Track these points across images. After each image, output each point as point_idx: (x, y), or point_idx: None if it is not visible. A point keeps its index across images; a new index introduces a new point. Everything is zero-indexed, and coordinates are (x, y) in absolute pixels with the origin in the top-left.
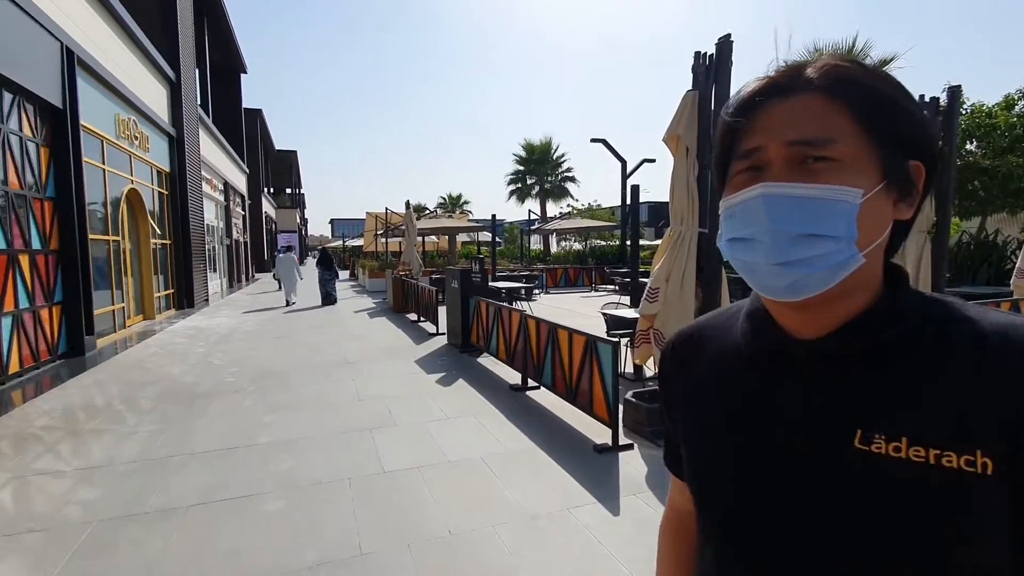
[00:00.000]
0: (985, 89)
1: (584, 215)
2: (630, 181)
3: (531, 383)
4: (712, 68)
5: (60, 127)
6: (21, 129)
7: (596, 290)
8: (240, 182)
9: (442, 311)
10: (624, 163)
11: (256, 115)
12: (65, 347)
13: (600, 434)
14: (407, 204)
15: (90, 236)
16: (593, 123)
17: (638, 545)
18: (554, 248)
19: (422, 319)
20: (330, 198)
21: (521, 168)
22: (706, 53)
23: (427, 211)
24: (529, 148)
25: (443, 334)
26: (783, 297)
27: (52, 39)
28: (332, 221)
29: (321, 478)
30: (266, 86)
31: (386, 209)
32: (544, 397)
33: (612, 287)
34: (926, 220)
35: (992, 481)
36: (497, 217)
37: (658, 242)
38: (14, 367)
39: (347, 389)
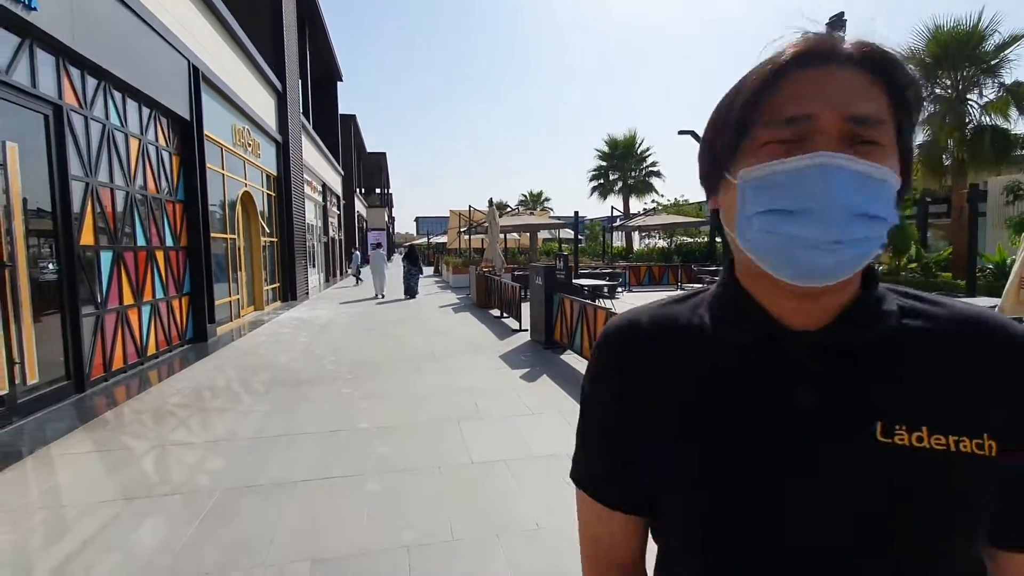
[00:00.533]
0: None
1: (670, 211)
2: None
3: None
4: None
5: (187, 137)
6: (157, 140)
7: (682, 288)
8: (336, 183)
9: (525, 307)
10: None
11: (350, 120)
12: (192, 333)
13: None
14: (490, 201)
15: (212, 234)
16: (681, 114)
17: None
18: (637, 245)
19: (505, 315)
20: (415, 197)
21: (603, 164)
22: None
23: (508, 208)
24: (612, 143)
25: (526, 330)
26: (817, 280)
27: (182, 58)
28: (417, 219)
29: (414, 464)
30: (359, 92)
31: (469, 207)
32: (574, 360)
33: (699, 285)
34: None
35: (995, 461)
36: (579, 214)
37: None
38: (151, 350)
39: (435, 381)
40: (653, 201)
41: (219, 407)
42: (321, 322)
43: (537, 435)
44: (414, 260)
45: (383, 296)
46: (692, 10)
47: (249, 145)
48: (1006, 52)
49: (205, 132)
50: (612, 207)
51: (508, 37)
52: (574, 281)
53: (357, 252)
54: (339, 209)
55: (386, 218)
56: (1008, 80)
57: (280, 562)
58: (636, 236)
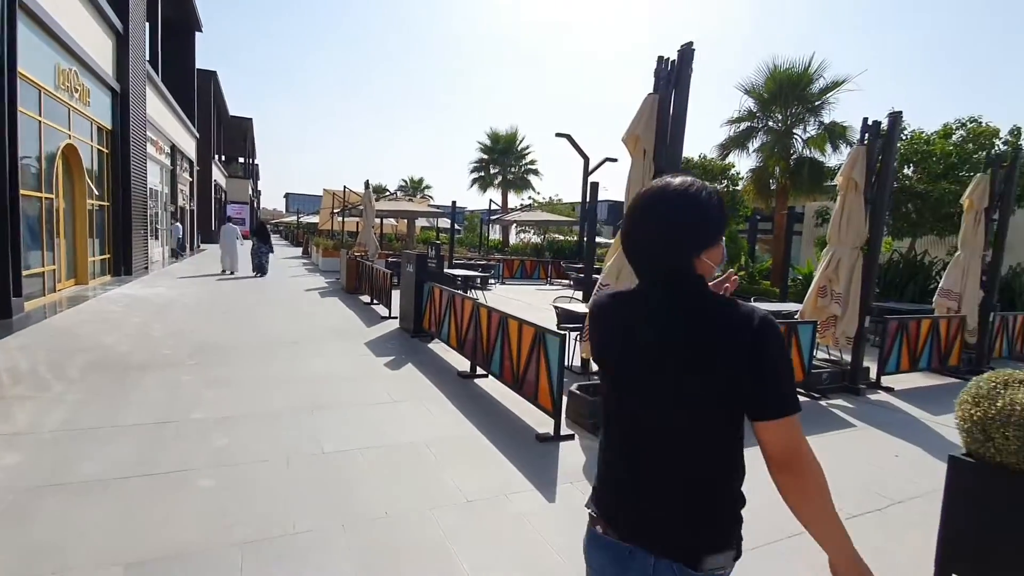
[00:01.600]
0: (926, 118)
1: (545, 209)
2: (591, 178)
3: (479, 371)
4: (673, 73)
5: None
6: None
7: (551, 284)
8: (189, 147)
9: (396, 295)
10: (587, 160)
11: (210, 77)
12: None
13: (543, 424)
14: (366, 184)
15: (22, 192)
16: (559, 118)
17: (569, 532)
18: (513, 239)
19: (375, 302)
20: (286, 171)
21: (485, 157)
22: (668, 58)
23: (387, 193)
24: (494, 137)
25: (395, 318)
26: None
27: None
28: (287, 195)
29: (258, 457)
30: (224, 48)
31: (344, 187)
32: (491, 385)
33: (567, 282)
34: (859, 237)
35: (724, 373)
36: (458, 205)
37: (600, 240)
38: None
39: (291, 367)
40: (530, 198)
41: (20, 395)
42: (161, 301)
43: (397, 424)
44: (264, 236)
45: (232, 273)
46: (577, 24)
47: (77, 90)
48: (827, 96)
49: (19, 69)
50: (491, 200)
51: (401, 11)
52: (446, 271)
53: (178, 224)
54: (192, 176)
55: (250, 191)
56: (827, 120)
57: (87, 566)
58: (513, 231)
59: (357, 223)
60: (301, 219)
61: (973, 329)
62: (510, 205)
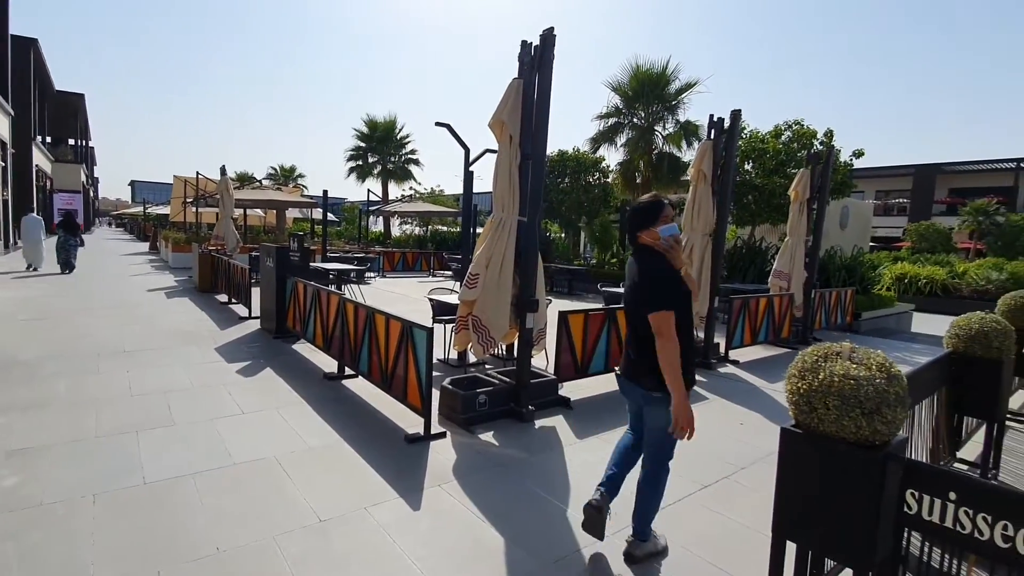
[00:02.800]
0: (763, 118)
1: (427, 200)
2: (473, 169)
3: (348, 371)
4: (536, 58)
5: None
6: None
7: (434, 275)
8: (1, 125)
9: (257, 292)
10: (467, 150)
11: (29, 45)
12: None
13: (414, 423)
14: (222, 170)
15: None
16: (441, 108)
17: (432, 542)
18: (396, 232)
19: (233, 301)
20: (135, 157)
21: (362, 144)
22: (531, 43)
23: (256, 182)
24: (372, 124)
25: (256, 318)
26: None
27: None
28: (133, 183)
29: (56, 496)
30: (49, 10)
31: (197, 174)
32: (360, 386)
33: (450, 273)
34: (708, 225)
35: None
36: (339, 196)
37: None
38: None
39: (117, 382)
40: (411, 188)
41: None
42: None
43: (244, 439)
44: (71, 228)
45: (35, 269)
46: (455, 12)
47: None
48: (682, 96)
49: None
50: (369, 190)
51: None
52: (318, 265)
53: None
54: (5, 160)
55: (83, 178)
56: (683, 118)
57: None
58: (395, 222)
59: (217, 214)
60: (149, 210)
61: (800, 305)
62: (392, 196)
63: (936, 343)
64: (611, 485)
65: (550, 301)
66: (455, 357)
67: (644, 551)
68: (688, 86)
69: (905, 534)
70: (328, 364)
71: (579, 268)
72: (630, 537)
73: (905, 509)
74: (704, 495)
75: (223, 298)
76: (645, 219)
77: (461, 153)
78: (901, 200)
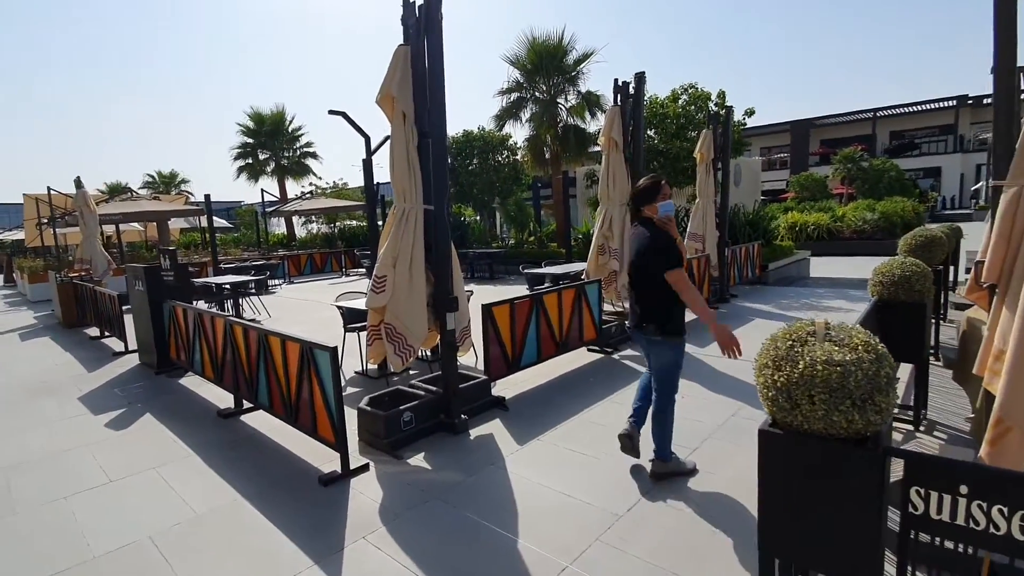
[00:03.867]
0: (659, 83)
1: (331, 195)
2: (375, 158)
3: (247, 404)
4: (423, 20)
5: None
6: None
7: (347, 275)
8: None
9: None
10: (368, 139)
11: None
12: None
13: (330, 459)
14: (77, 183)
15: None
16: (337, 96)
17: None
18: (300, 232)
19: (106, 334)
20: None
21: (250, 141)
22: (415, 2)
23: (130, 193)
24: (257, 118)
25: (135, 351)
26: None
27: None
28: None
29: None
30: None
31: (48, 188)
32: (263, 421)
33: (363, 271)
34: (625, 194)
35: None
36: (234, 199)
37: None
38: None
39: None
40: (311, 184)
41: None
42: None
43: (109, 519)
44: None
45: None
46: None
47: None
48: (581, 67)
49: None
50: (263, 190)
51: None
52: (207, 280)
53: None
54: None
55: None
56: (583, 89)
57: None
58: (298, 222)
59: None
60: (0, 236)
61: (716, 264)
62: (290, 194)
63: (834, 285)
64: (637, 416)
65: (471, 292)
66: (375, 367)
67: (666, 469)
68: (585, 56)
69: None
70: (223, 398)
71: (498, 250)
72: (653, 458)
73: (910, 509)
74: (661, 488)
75: (95, 332)
76: (646, 196)
77: (363, 143)
78: (783, 155)
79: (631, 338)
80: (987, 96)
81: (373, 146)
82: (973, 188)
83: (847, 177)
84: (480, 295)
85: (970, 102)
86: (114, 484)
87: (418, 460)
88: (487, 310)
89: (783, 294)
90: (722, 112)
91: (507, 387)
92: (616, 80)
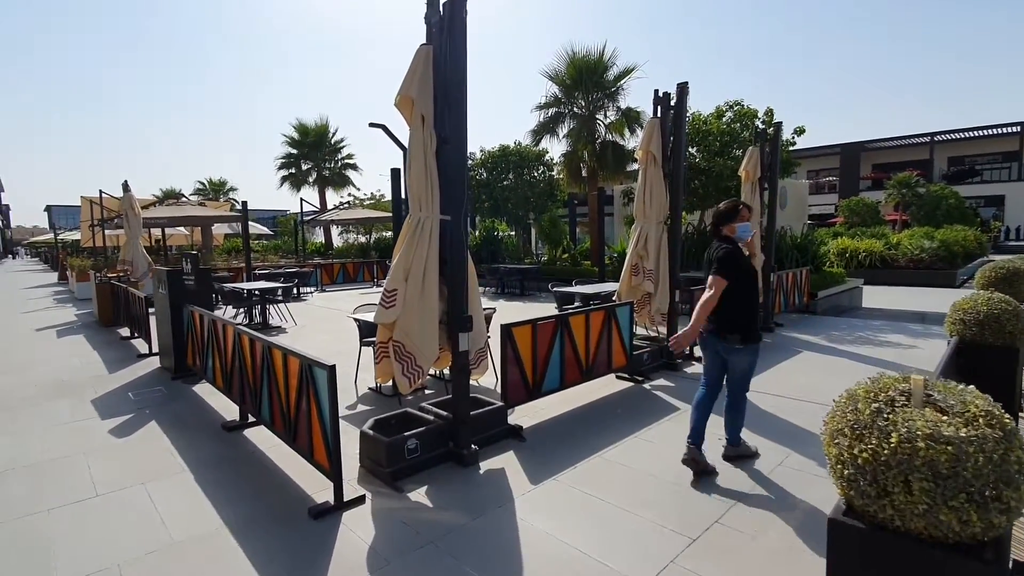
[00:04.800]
0: (701, 101)
1: (368, 206)
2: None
3: (251, 418)
4: (447, 18)
5: None
6: None
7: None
8: None
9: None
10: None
11: None
12: None
13: (325, 487)
14: (124, 186)
15: None
16: (375, 108)
17: None
18: (337, 242)
19: (135, 335)
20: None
21: (294, 151)
22: (439, 1)
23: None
24: (303, 130)
25: (157, 354)
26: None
27: None
28: (48, 208)
29: None
30: None
31: (100, 191)
32: (264, 437)
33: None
34: (662, 211)
35: None
36: (278, 208)
37: None
38: None
39: None
40: (350, 195)
41: None
42: None
43: (85, 539)
44: None
45: None
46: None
47: None
48: (621, 82)
49: None
50: (302, 199)
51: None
52: (236, 285)
53: None
54: None
55: None
56: (623, 105)
57: None
58: (335, 231)
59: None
60: (60, 236)
61: (760, 289)
62: (330, 204)
63: (890, 318)
64: (696, 436)
65: (493, 310)
66: (389, 385)
67: (736, 452)
68: (626, 72)
69: None
70: (230, 409)
71: (530, 267)
72: (726, 443)
73: None
74: (694, 551)
75: (126, 332)
76: (727, 217)
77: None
78: (831, 178)
79: (704, 345)
80: None
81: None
82: None
83: (901, 203)
84: (508, 312)
85: None
86: (99, 499)
87: (419, 495)
88: (507, 331)
89: (834, 325)
90: (770, 129)
91: (525, 415)
92: (656, 91)
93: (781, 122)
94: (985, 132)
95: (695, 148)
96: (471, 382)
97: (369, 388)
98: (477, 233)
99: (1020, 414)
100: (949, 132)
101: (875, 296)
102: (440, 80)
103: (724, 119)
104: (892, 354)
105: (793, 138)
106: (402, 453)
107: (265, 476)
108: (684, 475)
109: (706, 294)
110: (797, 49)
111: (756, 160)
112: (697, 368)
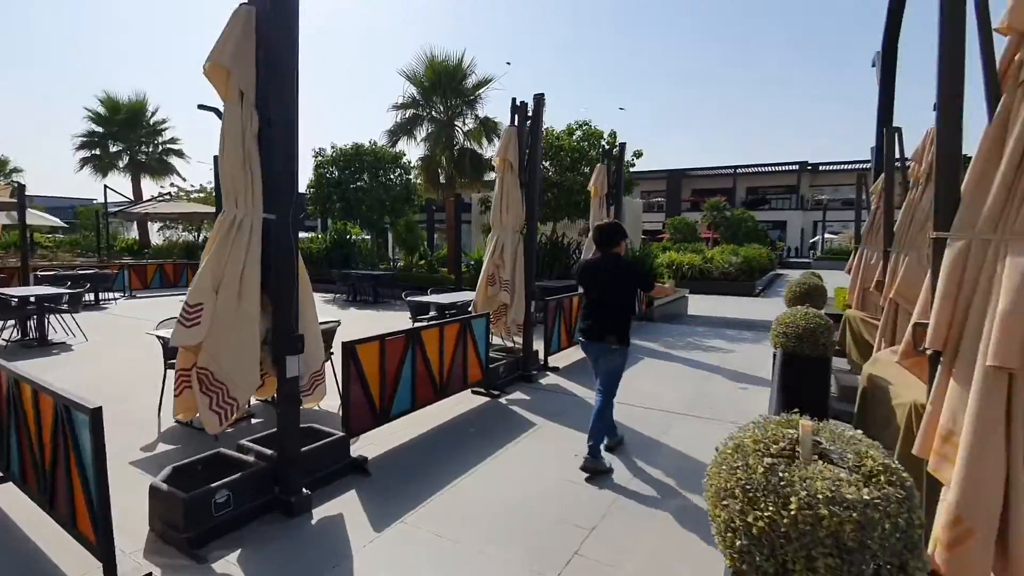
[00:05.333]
0: (554, 119)
1: (195, 200)
2: None
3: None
4: None
5: None
6: None
7: None
8: None
9: None
10: None
11: None
12: None
13: (94, 568)
14: None
15: None
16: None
17: None
18: (156, 239)
19: None
20: None
21: (99, 129)
22: None
23: None
24: (112, 105)
25: None
26: None
27: None
28: None
29: None
30: None
31: None
32: (12, 500)
33: None
34: (519, 220)
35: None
36: (82, 197)
37: None
38: None
39: None
40: (173, 185)
41: None
42: None
43: None
44: None
45: None
46: None
47: None
48: (480, 91)
49: None
50: (106, 187)
51: None
52: (5, 291)
53: None
54: None
55: None
56: (482, 114)
57: None
58: (154, 227)
59: None
60: None
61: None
62: (148, 194)
63: (710, 324)
64: (597, 441)
65: (337, 323)
66: (193, 421)
67: (594, 466)
68: (485, 81)
69: None
70: None
71: (384, 273)
72: (585, 454)
73: None
74: None
75: None
76: (622, 234)
77: None
78: (659, 199)
79: (584, 348)
80: (823, 164)
81: None
82: (811, 241)
83: (713, 223)
84: (358, 322)
85: (809, 168)
86: None
87: (229, 564)
88: (350, 349)
89: (667, 331)
90: (615, 148)
91: (372, 443)
92: (514, 99)
93: (625, 143)
94: (773, 168)
95: (548, 162)
96: (309, 407)
97: (177, 421)
98: (328, 236)
99: (827, 419)
100: (747, 166)
101: (696, 303)
102: (264, 48)
103: (575, 136)
104: (716, 359)
105: (633, 160)
106: (208, 510)
107: (9, 554)
108: (541, 500)
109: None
110: (641, 78)
111: (603, 176)
112: (552, 379)
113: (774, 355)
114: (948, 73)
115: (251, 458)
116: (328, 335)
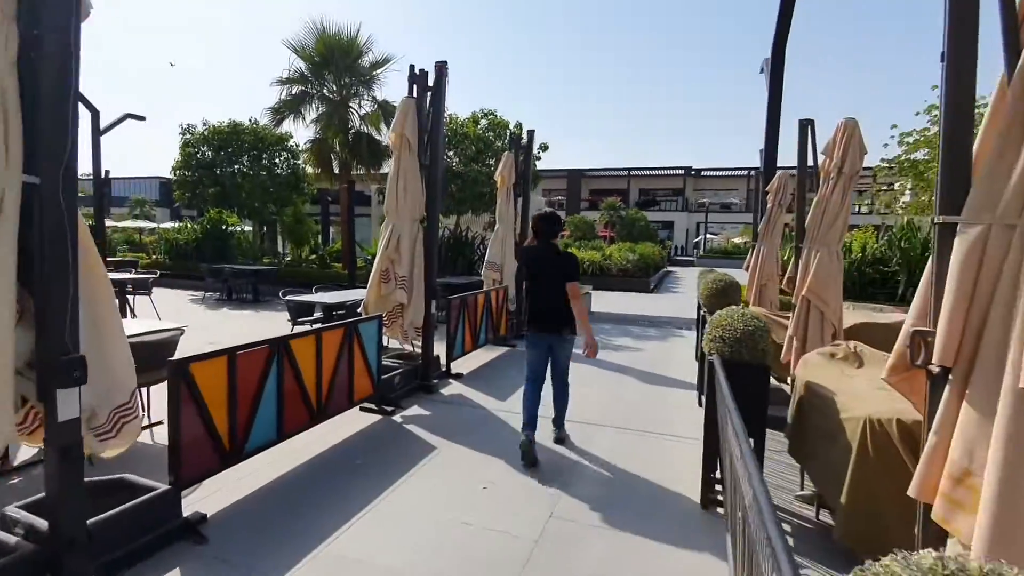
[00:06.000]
0: (458, 107)
1: None
2: (105, 140)
3: None
4: None
5: None
6: None
7: None
8: None
9: None
10: (96, 113)
11: None
12: None
13: None
14: None
15: None
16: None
17: None
18: None
19: None
20: None
21: None
22: None
23: None
24: None
25: None
26: None
27: None
28: None
29: None
30: None
31: None
32: None
33: None
34: (418, 208)
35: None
36: None
37: (144, 225)
38: None
39: None
40: None
41: None
42: None
43: None
44: None
45: None
46: None
47: None
48: (378, 72)
49: None
50: None
51: None
52: None
53: None
54: None
55: None
56: (380, 97)
57: None
58: None
59: None
60: None
61: (513, 297)
62: None
63: (615, 321)
64: (533, 424)
65: (179, 331)
66: (30, 452)
67: (559, 435)
68: (384, 61)
69: None
70: None
71: (265, 268)
72: (555, 429)
73: None
74: None
75: None
76: (561, 225)
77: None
78: (560, 197)
79: (533, 343)
80: (705, 170)
81: (106, 123)
82: (695, 240)
83: (610, 222)
84: (229, 324)
85: (692, 173)
86: None
87: None
88: (181, 369)
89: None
90: (523, 136)
91: (219, 490)
92: (412, 67)
93: (534, 130)
94: (662, 172)
95: (452, 151)
96: (111, 456)
97: None
98: (199, 226)
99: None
100: (639, 169)
101: (598, 300)
102: None
103: (480, 126)
104: (627, 358)
105: (539, 153)
106: None
107: None
108: (442, 557)
109: (577, 301)
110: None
111: (511, 166)
112: (456, 388)
113: (709, 363)
114: (956, 9)
115: (12, 540)
116: (163, 348)
